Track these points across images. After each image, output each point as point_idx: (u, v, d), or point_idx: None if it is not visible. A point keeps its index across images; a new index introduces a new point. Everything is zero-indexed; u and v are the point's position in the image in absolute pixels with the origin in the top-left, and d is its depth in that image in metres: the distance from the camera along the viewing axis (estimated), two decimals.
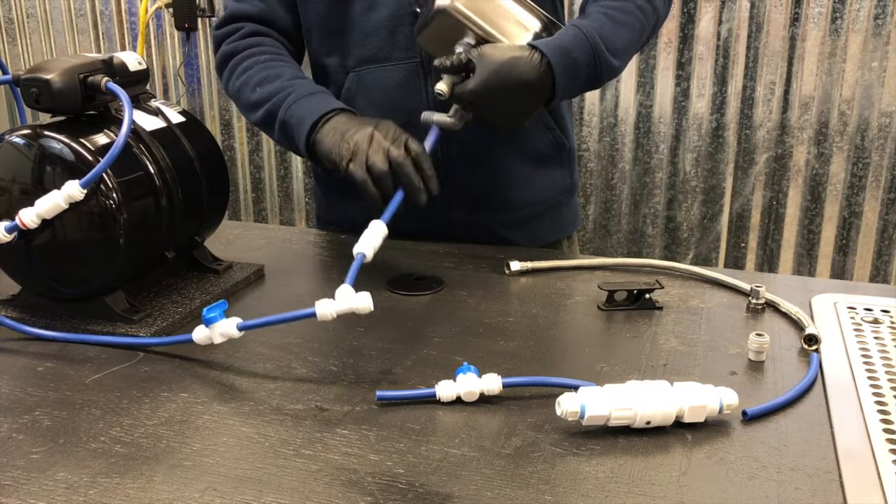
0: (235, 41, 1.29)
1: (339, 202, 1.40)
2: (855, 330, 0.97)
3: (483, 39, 1.10)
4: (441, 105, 1.12)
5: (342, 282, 1.12)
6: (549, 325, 1.00)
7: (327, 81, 1.31)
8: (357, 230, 1.01)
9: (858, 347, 0.93)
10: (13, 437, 0.76)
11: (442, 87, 1.09)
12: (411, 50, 1.24)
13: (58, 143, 0.94)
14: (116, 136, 0.95)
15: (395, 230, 1.18)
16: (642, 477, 0.70)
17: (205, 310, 0.87)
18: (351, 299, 0.85)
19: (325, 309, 0.88)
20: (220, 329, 0.87)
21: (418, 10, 1.17)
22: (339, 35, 1.28)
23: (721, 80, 2.57)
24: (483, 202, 1.33)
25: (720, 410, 0.77)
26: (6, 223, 0.93)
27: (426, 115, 1.12)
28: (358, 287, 1.14)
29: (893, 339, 0.95)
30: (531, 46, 1.09)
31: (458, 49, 1.09)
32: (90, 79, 0.96)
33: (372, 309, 0.85)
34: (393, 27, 1.24)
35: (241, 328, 0.88)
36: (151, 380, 0.87)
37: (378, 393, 0.82)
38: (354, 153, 1.07)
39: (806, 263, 2.65)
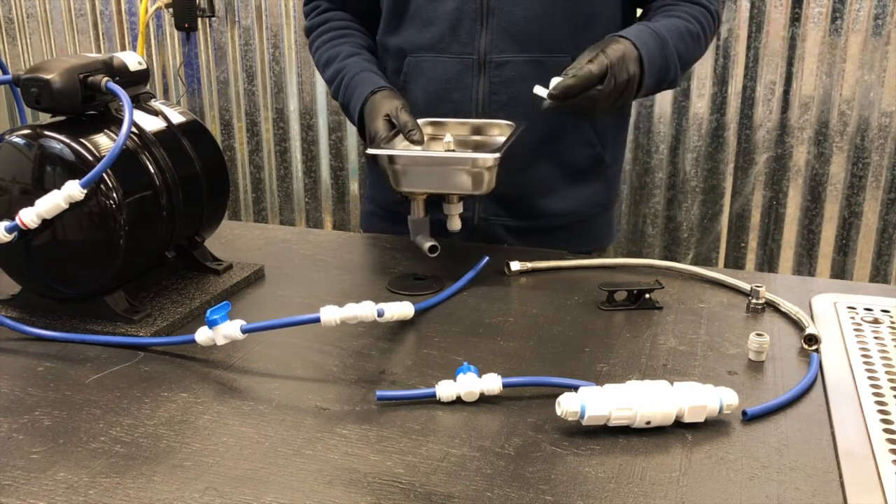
0: (313, 17, 1.42)
1: (383, 181, 1.42)
2: (855, 330, 0.97)
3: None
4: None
5: (341, 282, 1.13)
6: (549, 325, 1.00)
7: (387, 60, 1.35)
8: (397, 213, 1.17)
9: (858, 347, 0.93)
10: (13, 437, 0.76)
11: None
12: (469, 46, 1.26)
13: (58, 143, 0.94)
14: (116, 136, 0.95)
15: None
16: (642, 477, 0.70)
17: (208, 311, 0.87)
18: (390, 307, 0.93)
19: (330, 315, 0.88)
20: (224, 331, 0.87)
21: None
22: (403, 18, 1.31)
23: (721, 80, 2.57)
24: (513, 207, 1.35)
25: (720, 410, 0.77)
26: (6, 223, 0.93)
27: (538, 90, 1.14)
28: (359, 287, 1.14)
29: (893, 339, 0.95)
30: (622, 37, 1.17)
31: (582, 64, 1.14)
32: (90, 79, 0.96)
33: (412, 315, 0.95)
34: (456, 20, 1.26)
35: (244, 331, 0.88)
36: (151, 380, 0.87)
37: (378, 393, 0.82)
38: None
39: (806, 263, 2.65)
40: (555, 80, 1.12)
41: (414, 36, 1.30)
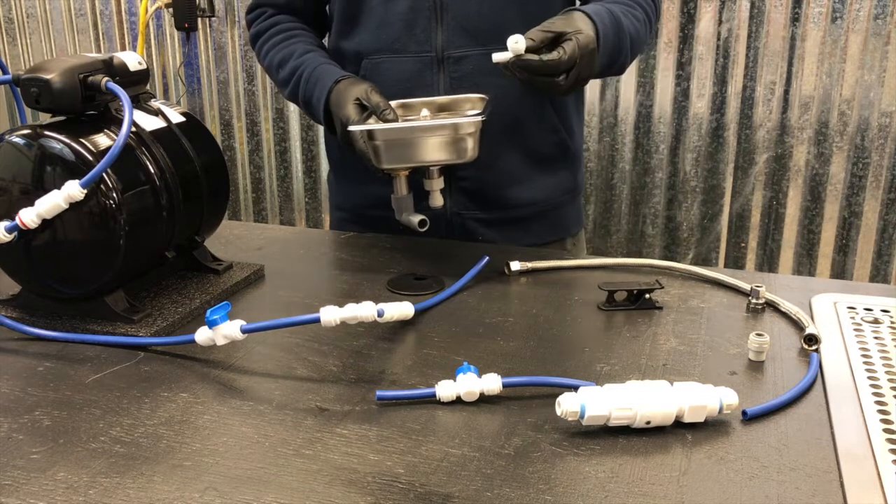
0: (259, 23, 1.40)
1: (350, 187, 1.42)
2: (855, 330, 0.97)
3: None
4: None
5: (341, 282, 1.13)
6: (549, 325, 1.00)
7: (344, 65, 1.33)
8: (367, 216, 1.17)
9: (858, 347, 0.93)
10: (13, 437, 0.76)
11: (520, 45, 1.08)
12: (426, 44, 1.26)
13: (58, 143, 0.94)
14: (116, 136, 0.95)
15: (393, 222, 1.20)
16: (642, 477, 0.70)
17: (208, 311, 0.87)
18: (390, 307, 0.93)
19: (330, 315, 0.88)
20: (224, 331, 0.87)
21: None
22: (357, 22, 1.30)
23: (721, 80, 2.57)
24: (484, 199, 1.34)
25: (720, 410, 0.77)
26: (6, 223, 0.93)
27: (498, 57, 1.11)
28: (359, 287, 1.14)
29: (893, 339, 0.95)
30: (587, 16, 1.14)
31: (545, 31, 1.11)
32: (90, 79, 0.96)
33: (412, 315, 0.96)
34: (411, 20, 1.25)
35: (244, 331, 0.88)
36: (151, 380, 0.87)
37: (378, 393, 0.82)
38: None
39: (806, 263, 2.65)
40: (513, 42, 1.07)
41: (369, 39, 1.29)
